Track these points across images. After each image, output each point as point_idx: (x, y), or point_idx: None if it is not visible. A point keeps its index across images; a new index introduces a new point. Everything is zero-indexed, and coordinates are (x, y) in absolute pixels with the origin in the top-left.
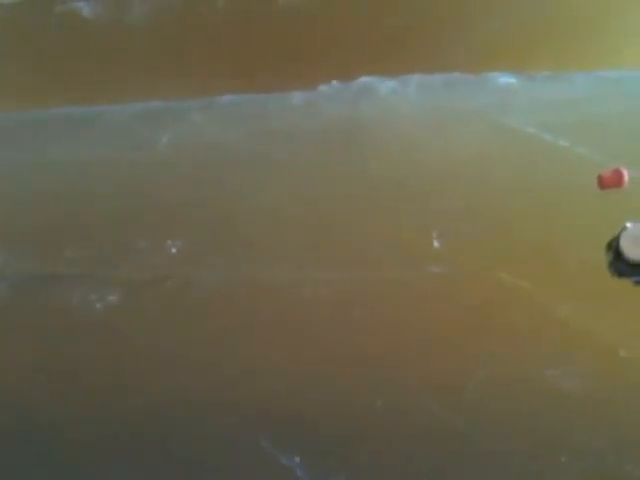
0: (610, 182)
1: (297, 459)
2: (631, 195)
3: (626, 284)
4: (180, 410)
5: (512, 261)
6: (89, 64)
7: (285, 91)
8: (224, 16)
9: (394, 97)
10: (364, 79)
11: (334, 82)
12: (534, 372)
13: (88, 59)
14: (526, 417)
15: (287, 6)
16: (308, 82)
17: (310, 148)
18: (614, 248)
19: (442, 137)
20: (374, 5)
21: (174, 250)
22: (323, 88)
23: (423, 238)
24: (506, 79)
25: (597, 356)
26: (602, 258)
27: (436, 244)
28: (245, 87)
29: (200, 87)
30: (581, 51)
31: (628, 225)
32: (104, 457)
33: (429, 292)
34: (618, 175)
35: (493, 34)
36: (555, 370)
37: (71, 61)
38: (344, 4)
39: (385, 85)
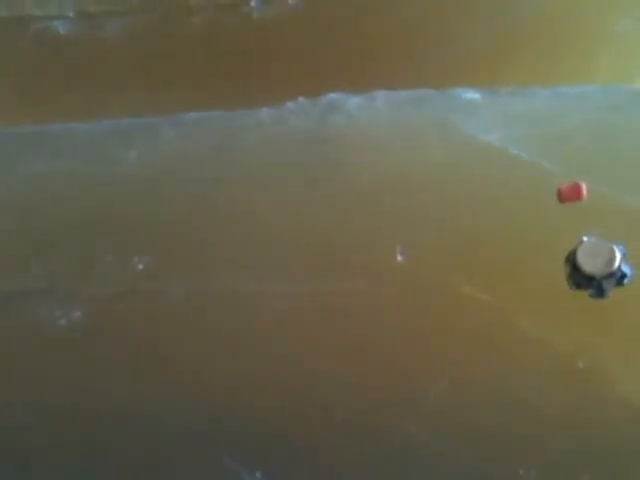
0: (569, 195)
1: (258, 474)
2: (591, 208)
3: (585, 296)
4: (145, 425)
5: (475, 274)
6: (60, 81)
7: (252, 107)
8: (195, 33)
9: (361, 113)
10: (331, 95)
11: (301, 99)
12: (494, 384)
13: (60, 76)
14: (485, 428)
15: (257, 23)
16: (274, 99)
17: (278, 163)
18: (571, 261)
19: (409, 152)
20: (340, 23)
21: (140, 266)
22: (290, 105)
23: (387, 251)
24: (470, 95)
25: (556, 367)
26: (562, 270)
27: (399, 258)
28: (213, 103)
29: (169, 104)
30: (545, 67)
31: (584, 239)
32: (68, 474)
33: (391, 305)
34: (577, 189)
35: (458, 51)
36: (515, 382)
37: (43, 78)
38: (311, 22)
39: (352, 101)
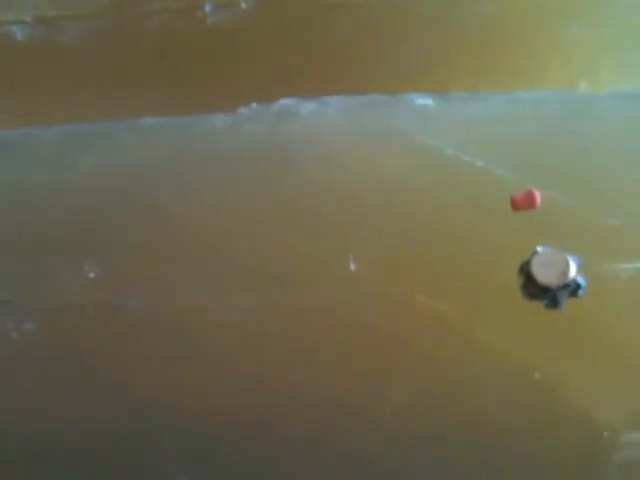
0: (523, 203)
1: None
2: (546, 216)
3: (541, 307)
4: (98, 441)
5: (430, 284)
6: (16, 86)
7: (206, 113)
8: (150, 38)
9: (315, 118)
10: (284, 101)
11: (254, 104)
12: (449, 395)
13: (15, 81)
14: (439, 441)
15: (210, 28)
16: (229, 104)
17: (234, 169)
18: (525, 272)
19: (362, 158)
20: (293, 28)
21: (92, 275)
22: (243, 110)
23: (340, 261)
24: (423, 100)
25: (513, 379)
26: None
27: (353, 267)
28: (168, 109)
29: (124, 109)
30: (498, 73)
31: (538, 249)
32: None
33: (344, 316)
34: (530, 197)
35: (409, 56)
36: (470, 393)
37: None
38: (263, 27)
39: (305, 107)
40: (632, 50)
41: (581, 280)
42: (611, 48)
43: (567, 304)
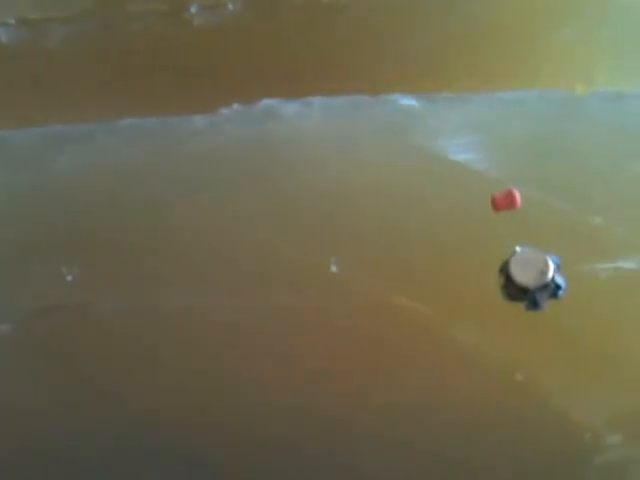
0: (503, 203)
1: None
2: (528, 216)
3: (522, 308)
4: (72, 444)
5: (411, 285)
6: None
7: (187, 114)
8: (135, 40)
9: (298, 119)
10: (266, 102)
11: (235, 105)
12: (428, 395)
13: None
14: (417, 442)
15: (197, 30)
16: (207, 106)
17: (215, 170)
18: (505, 272)
19: (346, 159)
20: (278, 29)
21: (70, 278)
22: (225, 111)
23: (322, 262)
24: (407, 101)
25: (495, 380)
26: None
27: (334, 269)
28: (151, 110)
29: (103, 110)
30: (485, 74)
31: (517, 249)
32: None
33: (324, 317)
34: (511, 197)
35: (393, 56)
36: (449, 393)
37: None
38: (249, 29)
39: (288, 107)
40: (626, 53)
41: (560, 281)
42: (606, 51)
43: (547, 305)
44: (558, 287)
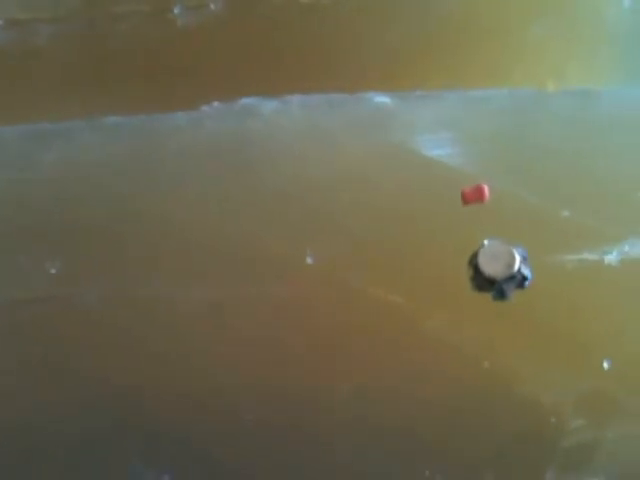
0: (472, 197)
1: (166, 477)
2: (499, 209)
3: (489, 298)
4: (52, 425)
5: (384, 276)
6: None
7: (170, 112)
8: (121, 40)
9: (277, 117)
10: (246, 100)
11: (215, 103)
12: (399, 385)
13: None
14: (389, 430)
15: (180, 29)
16: (189, 104)
17: (197, 166)
18: (473, 264)
19: (321, 156)
20: (258, 28)
21: (53, 270)
22: (205, 109)
23: (297, 254)
24: (381, 99)
25: (463, 367)
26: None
27: (309, 260)
28: (134, 108)
29: (88, 108)
30: (457, 72)
31: (485, 242)
32: None
33: (298, 308)
34: (479, 191)
35: (375, 55)
36: (420, 382)
37: None
38: (231, 28)
39: (267, 105)
40: (598, 50)
41: (527, 272)
42: (578, 48)
43: (515, 295)
44: (525, 278)
